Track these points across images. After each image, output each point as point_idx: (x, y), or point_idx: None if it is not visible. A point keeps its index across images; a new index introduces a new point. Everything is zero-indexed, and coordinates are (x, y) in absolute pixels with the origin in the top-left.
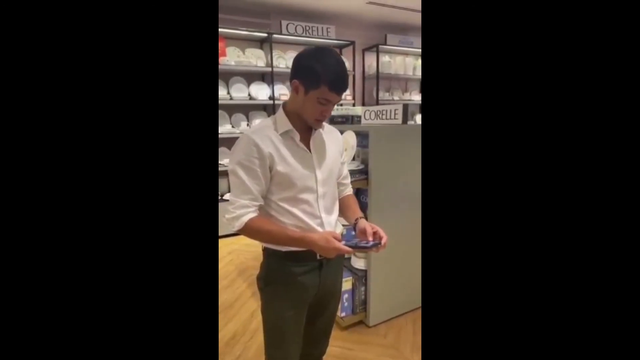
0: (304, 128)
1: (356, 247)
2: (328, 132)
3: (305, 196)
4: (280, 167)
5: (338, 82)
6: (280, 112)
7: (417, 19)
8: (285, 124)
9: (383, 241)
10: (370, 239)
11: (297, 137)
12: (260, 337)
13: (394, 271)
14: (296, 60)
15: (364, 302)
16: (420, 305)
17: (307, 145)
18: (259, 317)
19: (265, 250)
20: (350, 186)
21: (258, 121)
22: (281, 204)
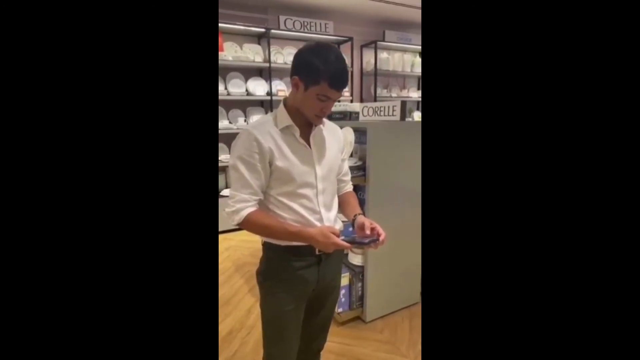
0: (305, 124)
1: (354, 243)
2: (329, 129)
3: (305, 191)
4: (279, 162)
5: (338, 78)
6: (281, 108)
7: (415, 15)
8: (285, 119)
9: (381, 238)
10: (368, 232)
11: (297, 132)
12: (257, 333)
13: (391, 267)
14: (296, 57)
15: (361, 298)
16: (417, 301)
17: (307, 141)
18: (256, 313)
19: (265, 244)
20: (351, 183)
21: (255, 117)
22: (280, 198)
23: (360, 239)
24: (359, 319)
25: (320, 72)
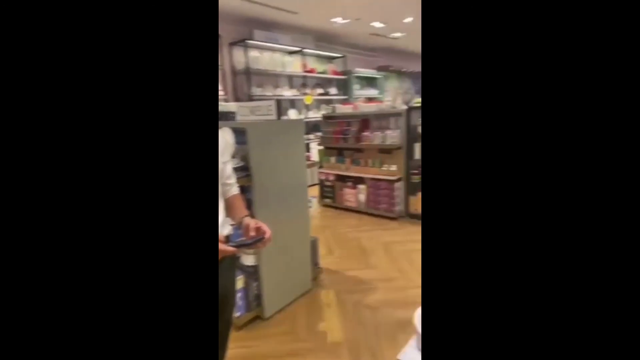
0: None
1: (240, 246)
2: None
3: None
4: None
5: None
6: None
7: (281, 16)
8: None
9: (266, 236)
10: (253, 233)
11: None
12: None
13: (283, 260)
14: None
15: (258, 297)
16: (309, 288)
17: None
18: None
19: None
20: (237, 185)
21: None
22: None
23: (246, 241)
24: (258, 318)
25: None
